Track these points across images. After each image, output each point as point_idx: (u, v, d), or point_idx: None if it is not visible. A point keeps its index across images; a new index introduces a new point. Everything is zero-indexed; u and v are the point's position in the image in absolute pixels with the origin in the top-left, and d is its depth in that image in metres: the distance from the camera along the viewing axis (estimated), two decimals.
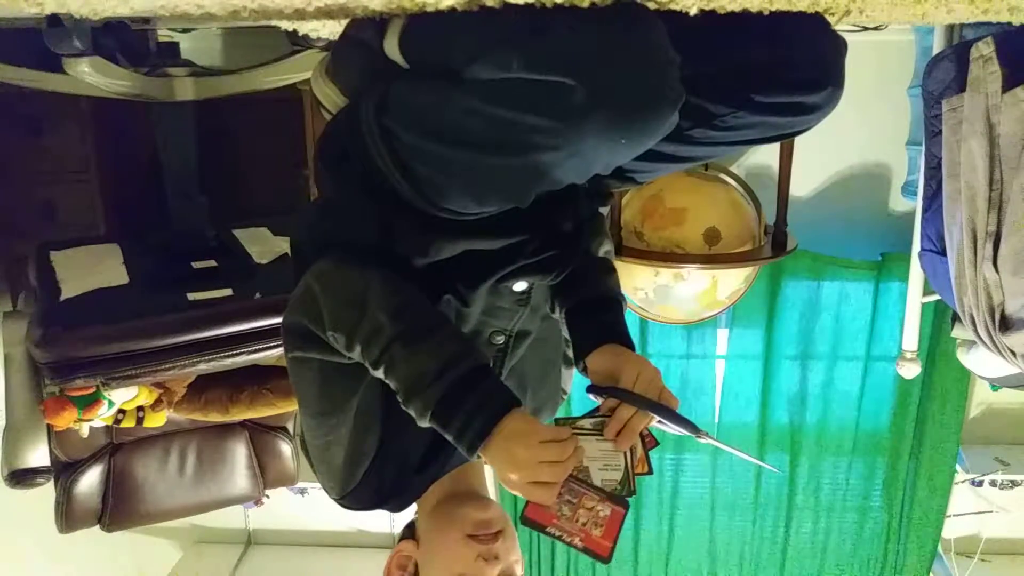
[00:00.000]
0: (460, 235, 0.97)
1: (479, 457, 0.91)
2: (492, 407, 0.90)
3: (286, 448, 2.35)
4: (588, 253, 1.16)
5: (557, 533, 0.93)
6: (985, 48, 1.37)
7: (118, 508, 2.16)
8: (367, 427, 1.01)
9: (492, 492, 1.14)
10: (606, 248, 1.21)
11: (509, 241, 1.00)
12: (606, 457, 0.98)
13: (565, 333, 1.24)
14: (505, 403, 0.91)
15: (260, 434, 2.30)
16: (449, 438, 0.91)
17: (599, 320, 1.10)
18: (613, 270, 1.20)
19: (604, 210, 1.24)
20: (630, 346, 1.08)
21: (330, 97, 1.11)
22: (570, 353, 1.26)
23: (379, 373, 0.93)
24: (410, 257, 0.98)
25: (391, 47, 0.98)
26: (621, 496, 0.96)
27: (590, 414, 1.02)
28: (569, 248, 1.08)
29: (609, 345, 1.06)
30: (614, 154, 0.83)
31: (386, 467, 1.03)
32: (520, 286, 1.06)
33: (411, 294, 0.95)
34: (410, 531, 1.11)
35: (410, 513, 1.13)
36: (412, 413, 0.92)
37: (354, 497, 1.05)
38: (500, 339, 1.10)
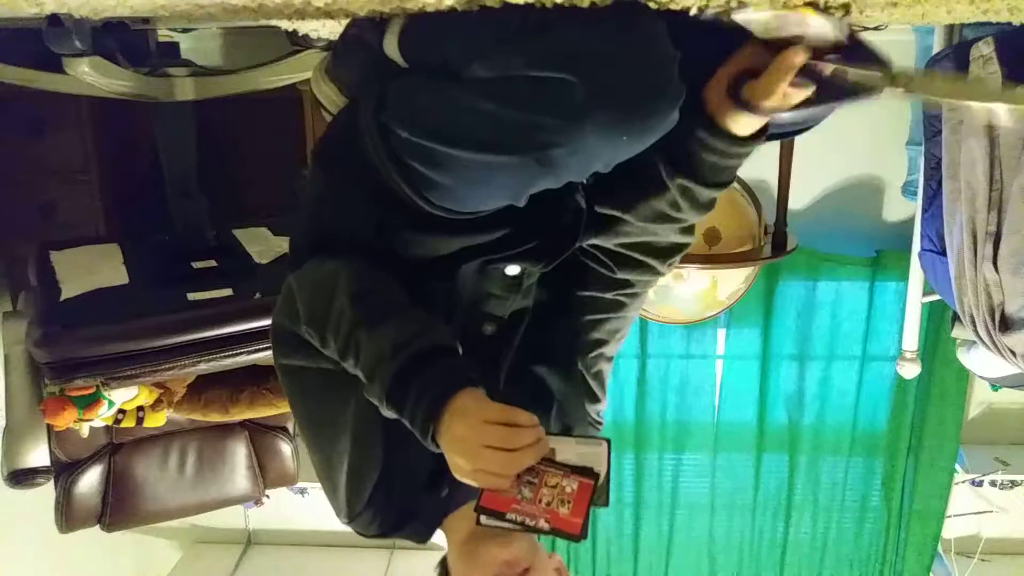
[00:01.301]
0: (455, 233, 0.96)
1: (436, 446, 0.83)
2: (443, 384, 0.83)
3: (286, 448, 2.35)
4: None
5: (519, 519, 0.83)
6: (985, 48, 1.37)
7: (118, 508, 2.16)
8: (367, 441, 0.96)
9: None
10: None
11: (504, 233, 0.98)
12: (584, 459, 0.88)
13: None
14: (460, 380, 0.83)
15: (260, 434, 2.30)
16: (407, 425, 0.85)
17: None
18: None
19: None
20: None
21: (330, 97, 1.11)
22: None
23: (349, 365, 0.90)
24: (405, 255, 0.97)
25: (390, 47, 0.98)
26: (586, 468, 0.86)
27: None
28: (566, 239, 1.05)
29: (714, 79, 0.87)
30: (615, 152, 0.83)
31: (392, 484, 0.97)
32: (513, 270, 1.01)
33: (378, 280, 0.93)
34: (443, 568, 1.04)
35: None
36: (374, 401, 0.88)
37: (364, 521, 1.00)
38: (491, 328, 1.04)
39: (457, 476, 0.83)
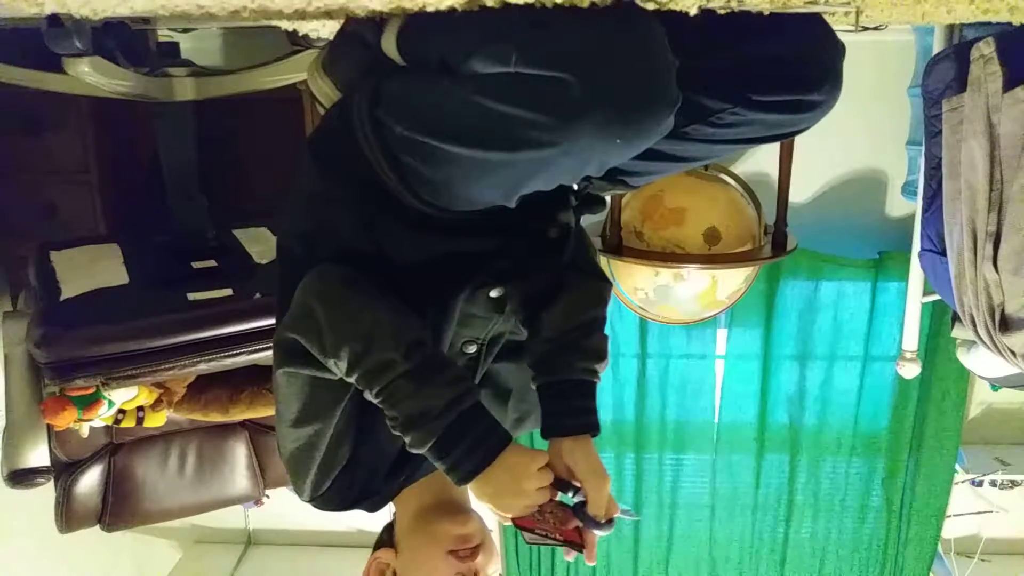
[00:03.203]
0: (444, 234, 0.96)
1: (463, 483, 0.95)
2: (495, 441, 0.95)
3: None
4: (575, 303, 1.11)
5: (544, 532, 1.00)
6: (985, 48, 1.37)
7: (118, 508, 2.16)
8: (344, 435, 1.02)
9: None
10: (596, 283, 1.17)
11: (492, 243, 0.99)
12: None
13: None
14: (506, 437, 0.96)
15: (260, 434, 2.30)
16: (441, 467, 0.94)
17: (565, 405, 1.07)
18: (596, 324, 1.13)
19: (598, 216, 1.22)
20: (593, 425, 1.06)
21: (325, 92, 1.10)
22: None
23: (372, 398, 0.93)
24: (394, 257, 0.97)
25: (388, 44, 0.98)
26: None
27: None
28: (552, 256, 1.07)
29: (571, 440, 1.03)
30: (608, 154, 0.83)
31: (357, 473, 1.05)
32: (496, 292, 1.03)
33: (418, 330, 0.95)
34: (388, 535, 1.11)
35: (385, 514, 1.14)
36: (408, 441, 0.93)
37: (324, 499, 1.07)
38: (472, 348, 1.08)
39: (503, 509, 0.98)
